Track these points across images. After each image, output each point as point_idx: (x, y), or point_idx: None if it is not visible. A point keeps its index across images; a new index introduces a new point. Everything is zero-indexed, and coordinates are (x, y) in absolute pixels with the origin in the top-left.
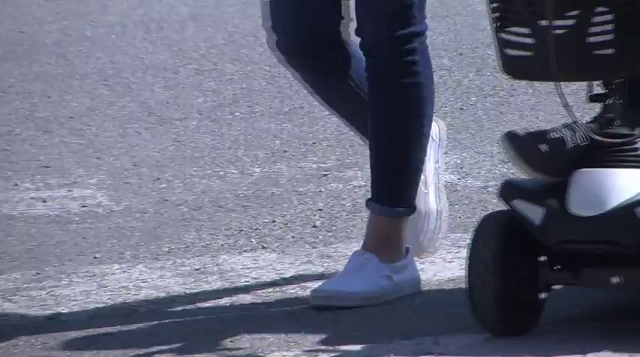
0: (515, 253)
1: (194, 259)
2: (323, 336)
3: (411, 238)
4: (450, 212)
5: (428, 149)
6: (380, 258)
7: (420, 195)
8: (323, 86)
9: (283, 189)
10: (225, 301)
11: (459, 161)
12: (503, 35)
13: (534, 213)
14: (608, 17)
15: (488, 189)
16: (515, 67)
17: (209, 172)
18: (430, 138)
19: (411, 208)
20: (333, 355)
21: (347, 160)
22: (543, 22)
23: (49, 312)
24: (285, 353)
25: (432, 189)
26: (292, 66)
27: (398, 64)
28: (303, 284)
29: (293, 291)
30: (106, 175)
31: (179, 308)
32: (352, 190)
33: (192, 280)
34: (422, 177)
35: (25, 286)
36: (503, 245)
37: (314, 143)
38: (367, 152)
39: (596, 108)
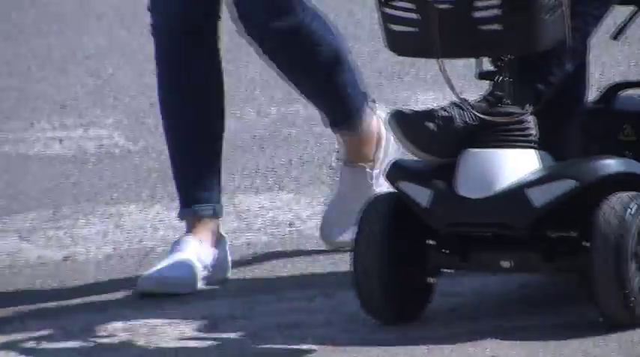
0: (403, 237)
1: None
2: (339, 277)
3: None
4: None
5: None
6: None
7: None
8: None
9: (300, 129)
10: (241, 241)
11: None
12: (387, 10)
13: (421, 195)
14: None
15: None
16: (399, 43)
17: (225, 112)
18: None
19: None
20: (349, 294)
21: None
22: None
23: (65, 252)
24: (301, 294)
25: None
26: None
27: (296, 43)
28: (319, 224)
29: (310, 231)
30: (123, 115)
31: None
32: None
33: None
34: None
35: (42, 225)
36: (391, 228)
37: None
38: (385, 94)
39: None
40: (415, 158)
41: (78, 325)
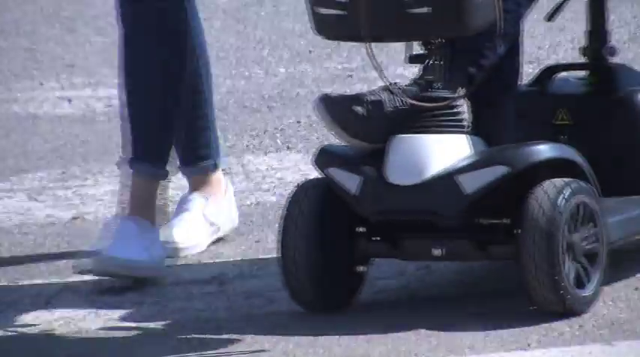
0: (332, 224)
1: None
2: None
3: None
4: None
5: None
6: (152, 223)
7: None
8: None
9: (308, 89)
10: (250, 201)
11: None
12: None
13: (350, 182)
14: None
15: None
16: (327, 27)
17: (234, 72)
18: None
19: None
20: None
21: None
22: None
23: (74, 211)
24: None
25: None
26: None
27: (163, 10)
28: None
29: None
30: None
31: None
32: None
33: None
34: None
35: (50, 185)
36: (319, 215)
37: (339, 44)
38: (391, 52)
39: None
40: (344, 144)
41: (87, 283)
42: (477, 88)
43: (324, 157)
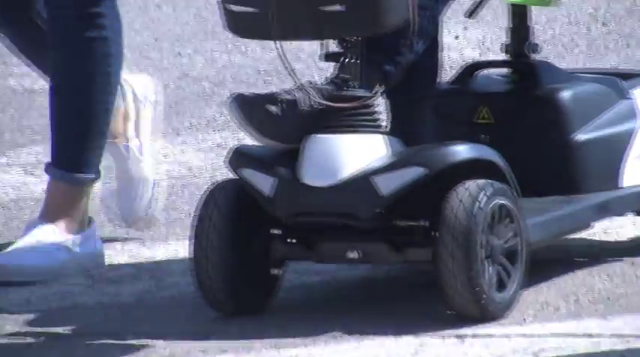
0: (246, 226)
1: (215, 134)
2: None
3: (124, 204)
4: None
5: (140, 110)
6: (59, 229)
7: (134, 161)
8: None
9: (304, 64)
10: None
11: (480, 37)
12: None
13: (264, 183)
14: None
15: None
16: (240, 25)
17: (230, 47)
18: (137, 99)
19: (96, 175)
20: None
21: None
22: None
23: None
24: None
25: (147, 156)
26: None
27: (82, 16)
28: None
29: None
30: (127, 49)
31: (200, 183)
32: None
33: (214, 154)
34: (137, 142)
35: (46, 159)
36: (233, 217)
37: None
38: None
39: None
40: (258, 144)
41: None
42: (395, 87)
43: (238, 158)
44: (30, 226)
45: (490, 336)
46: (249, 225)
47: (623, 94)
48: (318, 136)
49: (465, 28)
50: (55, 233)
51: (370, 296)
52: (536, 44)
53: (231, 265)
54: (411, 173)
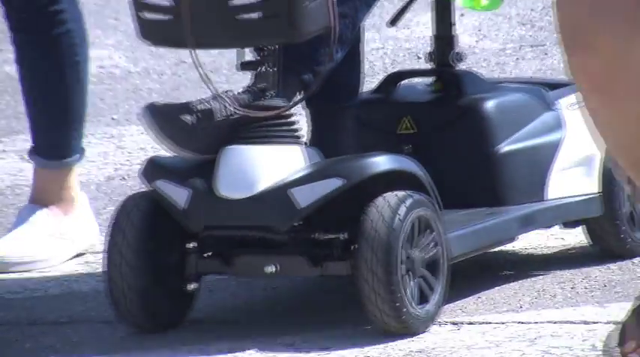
0: (160, 239)
1: None
2: None
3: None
4: None
5: None
6: (52, 212)
7: None
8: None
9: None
10: None
11: (476, 24)
12: None
13: (178, 195)
14: None
15: (506, 51)
16: (153, 32)
17: None
18: None
19: (80, 154)
20: None
21: (364, 22)
22: None
23: None
24: None
25: None
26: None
27: (44, 16)
28: None
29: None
30: (124, 36)
31: None
32: (369, 53)
33: None
34: None
35: None
36: (146, 230)
37: None
38: (385, 14)
39: None
40: (173, 155)
41: None
42: (316, 96)
43: (152, 169)
44: (23, 212)
45: (487, 323)
46: (163, 238)
47: (549, 105)
48: (234, 146)
49: (462, 15)
50: (49, 217)
51: None
52: (461, 54)
53: (146, 281)
54: (329, 185)
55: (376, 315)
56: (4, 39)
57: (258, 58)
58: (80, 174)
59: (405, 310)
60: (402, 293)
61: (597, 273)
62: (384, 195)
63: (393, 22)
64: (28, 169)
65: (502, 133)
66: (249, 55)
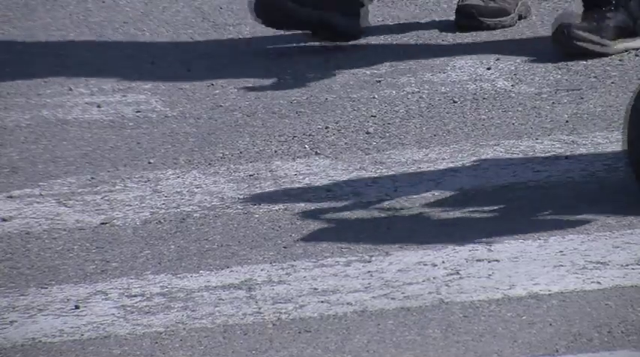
0: None
1: (247, 164)
2: (376, 242)
3: None
4: (503, 119)
5: None
6: None
7: None
8: None
9: (336, 95)
10: (278, 207)
11: (512, 68)
12: None
13: None
14: None
15: (542, 95)
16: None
17: (263, 77)
18: None
19: None
20: (386, 260)
21: (400, 66)
22: None
23: (103, 216)
24: (338, 259)
25: None
26: None
27: None
28: (356, 190)
29: (346, 197)
30: (160, 80)
31: (232, 213)
32: (405, 97)
33: (246, 185)
34: None
35: (79, 190)
36: None
37: (367, 49)
38: (421, 58)
39: None
40: None
41: (116, 289)
42: None
43: None
44: None
45: None
46: None
47: None
48: None
49: (498, 59)
50: None
51: None
52: None
53: None
54: None
55: None
56: (43, 84)
57: None
58: (116, 218)
59: None
60: None
61: (634, 317)
62: None
63: None
64: (64, 213)
65: None
66: None
